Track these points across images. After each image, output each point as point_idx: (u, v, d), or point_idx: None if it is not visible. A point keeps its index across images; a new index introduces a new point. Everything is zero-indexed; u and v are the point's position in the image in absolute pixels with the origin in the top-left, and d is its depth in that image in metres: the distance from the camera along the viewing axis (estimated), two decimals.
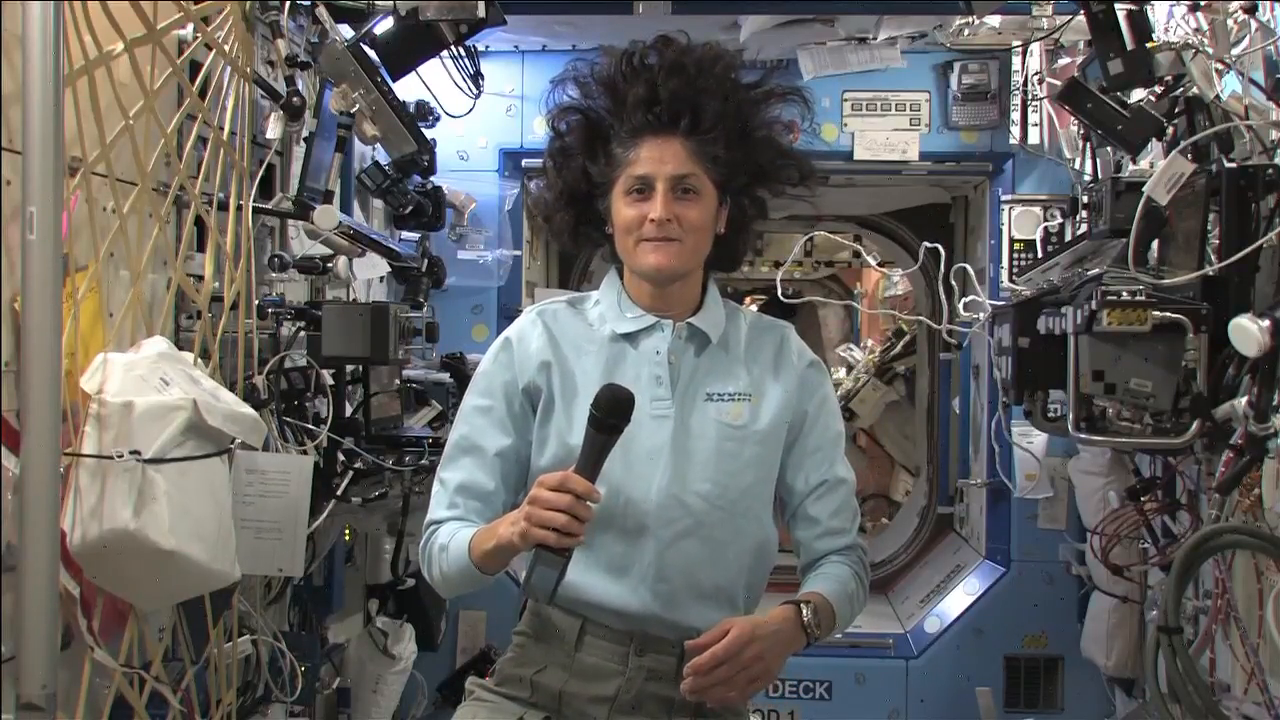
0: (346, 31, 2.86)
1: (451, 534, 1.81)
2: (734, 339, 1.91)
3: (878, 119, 4.10)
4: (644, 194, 1.79)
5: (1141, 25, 2.69)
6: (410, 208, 3.61)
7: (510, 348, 1.88)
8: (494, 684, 1.89)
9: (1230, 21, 2.68)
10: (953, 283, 3.71)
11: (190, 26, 2.25)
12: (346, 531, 3.13)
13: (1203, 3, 2.71)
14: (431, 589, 1.95)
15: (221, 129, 2.39)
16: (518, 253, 4.15)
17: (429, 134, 3.35)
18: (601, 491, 1.67)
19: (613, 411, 1.64)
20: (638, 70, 1.82)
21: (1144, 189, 2.59)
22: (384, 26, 2.94)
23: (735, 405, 1.85)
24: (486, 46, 3.86)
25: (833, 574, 1.87)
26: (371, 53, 2.91)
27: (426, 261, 3.81)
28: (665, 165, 1.78)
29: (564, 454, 1.78)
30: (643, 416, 1.77)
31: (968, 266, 3.85)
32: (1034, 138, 3.95)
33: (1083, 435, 2.66)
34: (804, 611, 1.75)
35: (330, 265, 2.95)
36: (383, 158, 3.32)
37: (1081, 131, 3.66)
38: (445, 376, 3.62)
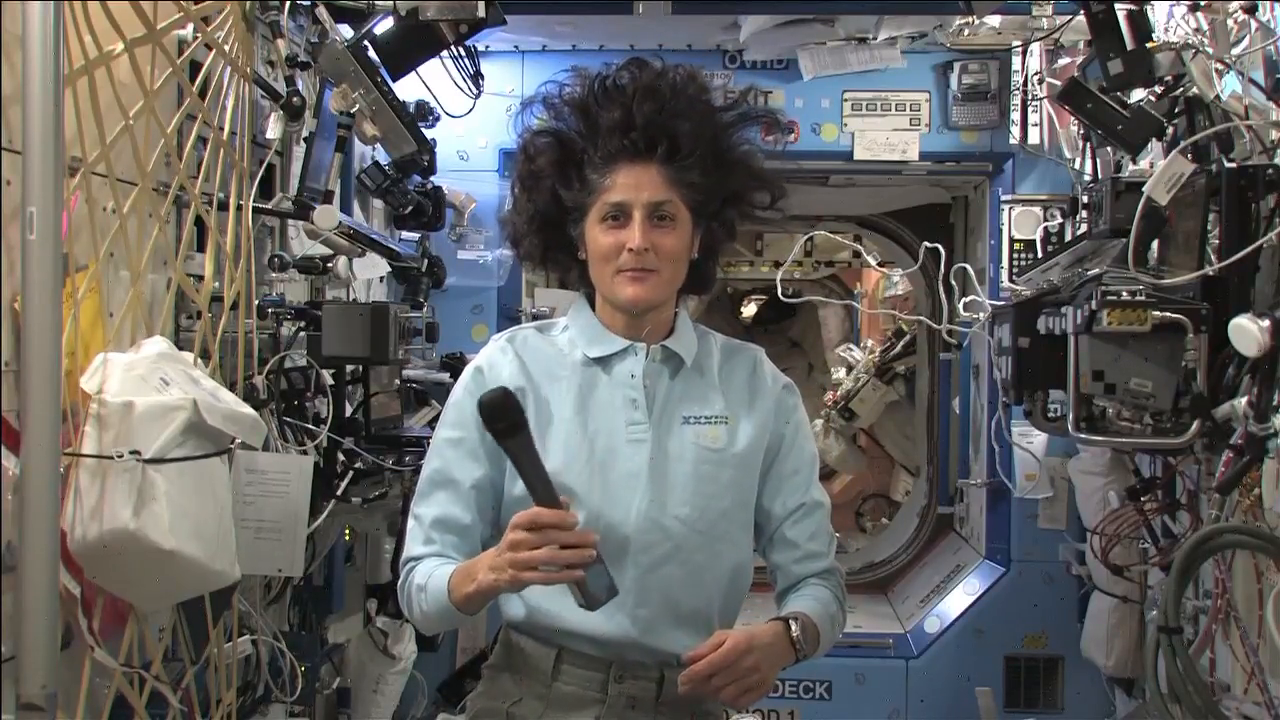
0: (346, 31, 2.86)
1: (428, 573, 1.76)
2: (707, 362, 1.88)
3: (878, 119, 4.11)
4: (620, 221, 1.76)
5: (1141, 25, 2.70)
6: (410, 208, 3.61)
7: (481, 376, 1.84)
8: None
9: (1230, 21, 2.69)
10: (953, 283, 3.71)
11: (190, 26, 2.24)
12: (346, 531, 3.12)
13: (1203, 3, 2.71)
14: None
15: (221, 129, 2.39)
16: None
17: (429, 134, 3.34)
18: (580, 515, 1.64)
19: (500, 415, 1.60)
20: (611, 94, 1.79)
21: (1144, 189, 2.59)
22: (384, 26, 2.93)
23: (713, 428, 1.82)
24: (486, 46, 3.86)
25: (815, 595, 1.85)
26: (372, 53, 2.91)
27: (426, 261, 3.81)
28: (642, 192, 1.75)
29: None
30: (619, 442, 1.78)
31: (968, 266, 3.85)
32: (1034, 138, 3.96)
33: (1083, 435, 2.66)
34: (792, 628, 1.73)
35: (330, 265, 2.95)
36: (383, 158, 3.32)
37: (1081, 131, 3.67)
38: (445, 376, 3.61)
